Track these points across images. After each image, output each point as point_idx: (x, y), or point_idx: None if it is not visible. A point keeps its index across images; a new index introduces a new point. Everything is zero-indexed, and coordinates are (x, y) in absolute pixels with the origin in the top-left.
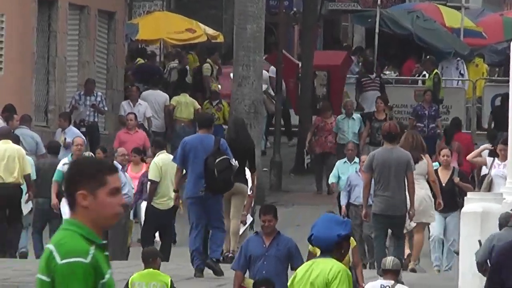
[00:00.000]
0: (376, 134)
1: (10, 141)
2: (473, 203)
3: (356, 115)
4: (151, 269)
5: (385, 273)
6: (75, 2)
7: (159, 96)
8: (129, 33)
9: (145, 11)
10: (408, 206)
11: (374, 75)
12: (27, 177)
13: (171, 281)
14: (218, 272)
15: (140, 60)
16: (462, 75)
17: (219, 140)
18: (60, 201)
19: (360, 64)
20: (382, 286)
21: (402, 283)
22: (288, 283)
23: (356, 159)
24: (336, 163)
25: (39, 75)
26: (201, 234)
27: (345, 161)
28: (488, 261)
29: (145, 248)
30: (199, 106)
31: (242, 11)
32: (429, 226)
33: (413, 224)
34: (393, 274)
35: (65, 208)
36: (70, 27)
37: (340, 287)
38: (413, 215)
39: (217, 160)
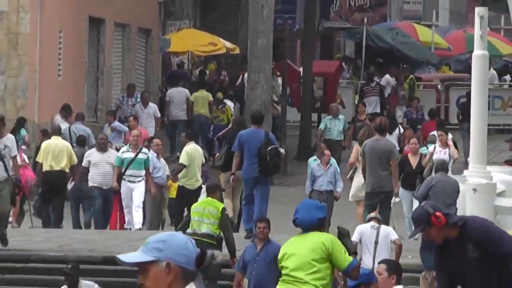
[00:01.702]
0: (358, 131)
1: (59, 137)
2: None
3: (341, 116)
4: (210, 198)
5: (370, 220)
6: (119, 21)
7: (182, 92)
8: (163, 46)
9: (176, 28)
10: (393, 185)
11: (374, 83)
12: (74, 167)
13: (223, 208)
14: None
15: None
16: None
17: (268, 133)
18: (120, 183)
19: (350, 71)
20: (372, 226)
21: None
22: (279, 257)
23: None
24: (309, 160)
25: (90, 80)
26: (251, 206)
27: (315, 159)
28: (426, 197)
29: (209, 182)
30: (212, 99)
31: (254, 28)
32: (403, 205)
33: (397, 199)
34: (377, 220)
35: (123, 189)
36: (115, 42)
37: (339, 249)
38: (397, 192)
39: (268, 149)
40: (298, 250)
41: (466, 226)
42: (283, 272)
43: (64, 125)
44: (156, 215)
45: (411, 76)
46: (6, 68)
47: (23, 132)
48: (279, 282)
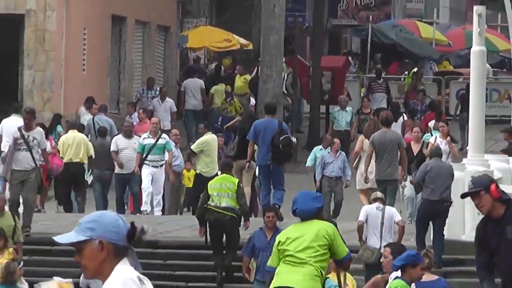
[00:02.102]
0: (362, 124)
1: (76, 131)
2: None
3: (349, 108)
4: (225, 174)
5: (375, 201)
6: (140, 19)
7: (197, 82)
8: (181, 42)
9: (193, 26)
10: (400, 173)
11: (381, 80)
12: (91, 158)
13: (238, 181)
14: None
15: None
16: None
17: (281, 123)
18: (140, 168)
19: (356, 66)
20: (377, 207)
21: None
22: (279, 239)
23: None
24: (314, 149)
25: (112, 74)
26: (268, 191)
27: (321, 148)
28: (421, 182)
29: (222, 160)
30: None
31: (266, 25)
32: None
33: (406, 184)
34: (381, 201)
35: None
36: (136, 38)
37: (339, 240)
38: (404, 179)
39: (281, 138)
40: (303, 234)
41: (510, 207)
42: (285, 253)
43: (88, 116)
44: (174, 201)
45: (413, 70)
46: (34, 63)
47: (59, 128)
48: (280, 263)
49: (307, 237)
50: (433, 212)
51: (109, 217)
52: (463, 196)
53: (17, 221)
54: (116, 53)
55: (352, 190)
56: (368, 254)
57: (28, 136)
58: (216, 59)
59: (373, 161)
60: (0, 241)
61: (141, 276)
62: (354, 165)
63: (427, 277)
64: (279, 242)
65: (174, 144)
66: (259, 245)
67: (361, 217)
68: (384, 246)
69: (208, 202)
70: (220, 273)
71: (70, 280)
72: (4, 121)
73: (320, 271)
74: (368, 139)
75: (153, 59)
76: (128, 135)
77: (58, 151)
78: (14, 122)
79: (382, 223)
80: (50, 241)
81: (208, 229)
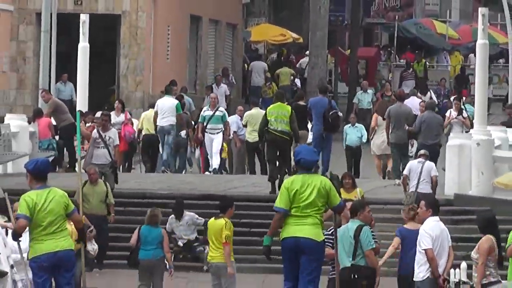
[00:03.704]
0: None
1: (153, 109)
2: (453, 139)
3: (370, 90)
4: (280, 103)
5: (420, 156)
6: (213, 18)
7: (261, 64)
8: (245, 37)
9: (255, 23)
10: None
11: (411, 69)
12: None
13: (291, 108)
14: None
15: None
16: (448, 61)
17: (331, 100)
18: (203, 136)
19: (385, 56)
20: (419, 161)
21: None
22: (287, 186)
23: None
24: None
25: (191, 62)
26: (319, 153)
27: (350, 126)
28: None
29: (277, 90)
30: (294, 72)
31: (314, 23)
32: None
33: (414, 149)
34: (424, 157)
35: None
36: (209, 33)
37: (334, 191)
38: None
39: (331, 113)
40: (307, 189)
41: None
42: (292, 206)
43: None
44: (240, 163)
45: (423, 60)
46: (128, 53)
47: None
48: (289, 216)
49: (311, 193)
50: (434, 153)
51: None
52: None
53: (108, 188)
54: (194, 45)
55: (368, 156)
56: (407, 198)
57: (105, 135)
58: (274, 51)
59: (384, 132)
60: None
61: None
62: (371, 138)
63: (412, 225)
64: (288, 189)
65: (239, 117)
66: None
67: (405, 171)
68: (422, 199)
69: (268, 126)
70: (273, 182)
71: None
72: (159, 100)
73: (320, 220)
74: (381, 116)
75: (223, 50)
76: (213, 105)
77: (132, 122)
78: (167, 101)
79: (420, 173)
80: (141, 195)
81: (266, 146)
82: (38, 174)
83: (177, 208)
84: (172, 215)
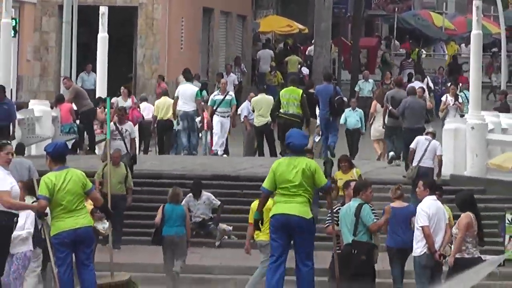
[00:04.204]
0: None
1: (167, 97)
2: (449, 123)
3: (371, 80)
4: (291, 87)
5: (428, 134)
6: (224, 10)
7: (268, 52)
8: (254, 27)
9: (264, 15)
10: None
11: (410, 59)
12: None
13: (302, 91)
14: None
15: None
16: (444, 51)
17: (335, 87)
18: (212, 118)
19: (385, 46)
20: (426, 138)
21: None
22: (272, 170)
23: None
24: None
25: (203, 51)
26: (327, 136)
27: (350, 109)
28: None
29: (292, 76)
30: (301, 60)
31: (319, 15)
32: None
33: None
34: (431, 134)
35: (215, 121)
36: (221, 24)
37: (320, 173)
38: None
39: (336, 98)
40: (295, 170)
41: None
42: (282, 186)
43: (184, 83)
44: (250, 146)
45: (417, 49)
46: (145, 43)
47: (204, 93)
48: (277, 195)
49: (296, 174)
50: (415, 136)
51: None
52: None
53: (128, 171)
54: (206, 36)
55: (367, 140)
56: (409, 171)
57: (122, 128)
58: (281, 41)
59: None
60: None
61: None
62: (370, 123)
63: (399, 204)
64: (275, 171)
65: (249, 103)
66: None
67: (413, 145)
68: (421, 180)
69: (280, 110)
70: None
71: None
72: (180, 87)
73: (308, 199)
74: (380, 104)
75: (233, 40)
76: (223, 91)
77: (139, 107)
78: (188, 88)
79: (425, 150)
80: (157, 175)
81: (278, 128)
82: (57, 156)
83: (195, 188)
84: (190, 194)
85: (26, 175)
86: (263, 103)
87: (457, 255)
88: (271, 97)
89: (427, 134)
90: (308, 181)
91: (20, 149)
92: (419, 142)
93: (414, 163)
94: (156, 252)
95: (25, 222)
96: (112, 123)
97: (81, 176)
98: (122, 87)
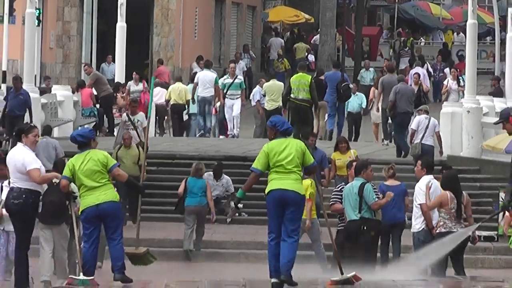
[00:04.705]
0: None
1: (180, 82)
2: (446, 107)
3: (371, 69)
4: (301, 73)
5: (423, 112)
6: (235, 1)
7: (279, 40)
8: (263, 17)
9: (272, 6)
10: None
11: (407, 48)
12: (188, 101)
13: (311, 77)
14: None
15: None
16: (442, 39)
17: (343, 74)
18: (224, 100)
19: (388, 34)
20: (425, 117)
21: None
22: (266, 150)
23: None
24: None
25: (215, 39)
26: (334, 119)
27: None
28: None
29: (300, 62)
30: (308, 47)
31: (324, 5)
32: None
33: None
34: (426, 112)
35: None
36: (232, 15)
37: (308, 152)
38: None
39: (343, 84)
40: (287, 150)
41: None
42: (277, 164)
43: (197, 69)
44: (263, 128)
45: (411, 38)
46: (160, 32)
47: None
48: (272, 172)
49: (291, 152)
50: (405, 119)
51: None
52: (495, 123)
53: (140, 151)
54: (218, 25)
55: (368, 124)
56: (413, 149)
57: (134, 118)
58: (289, 29)
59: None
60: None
61: None
62: (369, 108)
63: (392, 182)
64: (267, 152)
65: (261, 88)
66: None
67: (413, 125)
68: (419, 159)
69: (290, 95)
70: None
71: None
72: (200, 73)
73: (300, 175)
74: (376, 89)
75: (244, 29)
76: (232, 75)
77: (148, 91)
78: (207, 74)
79: (426, 127)
80: (171, 156)
81: (289, 111)
82: (81, 142)
83: (217, 169)
84: (211, 173)
85: (53, 154)
86: (274, 89)
87: (437, 230)
88: (281, 83)
89: (419, 111)
90: (299, 159)
91: (47, 130)
92: (420, 121)
93: (417, 141)
94: (172, 228)
95: None
96: (124, 114)
97: (101, 155)
98: (134, 73)
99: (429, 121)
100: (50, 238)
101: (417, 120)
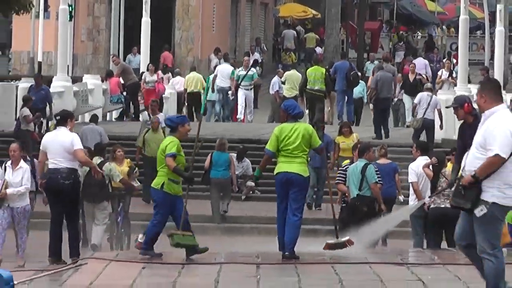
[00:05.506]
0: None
1: (195, 72)
2: (441, 95)
3: (376, 62)
4: (316, 66)
5: (426, 90)
6: None
7: (292, 32)
8: (275, 13)
9: (283, 2)
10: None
11: (402, 42)
12: (203, 88)
13: (326, 69)
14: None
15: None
16: (436, 33)
17: (351, 63)
18: (237, 90)
19: (387, 28)
20: (427, 94)
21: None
22: (277, 134)
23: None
24: None
25: (231, 33)
26: (343, 105)
27: None
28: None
29: (315, 55)
30: (318, 37)
31: (329, 1)
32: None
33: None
34: (430, 90)
35: (240, 93)
36: (246, 11)
37: (315, 135)
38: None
39: (351, 73)
40: (295, 134)
41: (476, 119)
42: (284, 148)
43: (215, 60)
44: (277, 114)
45: (401, 32)
46: (181, 26)
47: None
48: (280, 156)
49: (298, 137)
50: (387, 105)
51: None
52: (447, 107)
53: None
54: (234, 20)
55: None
56: (415, 122)
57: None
58: (297, 24)
59: None
60: (122, 151)
61: None
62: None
63: (384, 161)
64: (277, 135)
65: (279, 78)
66: None
67: (416, 100)
68: (414, 142)
69: (307, 85)
70: (314, 123)
71: None
72: (219, 66)
73: (305, 159)
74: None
75: (257, 24)
76: (246, 66)
77: (162, 80)
78: (226, 67)
79: (428, 104)
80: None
81: (305, 101)
82: (169, 126)
83: (241, 152)
84: (234, 155)
85: (99, 139)
86: (294, 78)
87: (430, 206)
88: (299, 74)
89: (427, 89)
90: (306, 143)
91: (94, 119)
92: (422, 97)
93: (419, 116)
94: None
95: (22, 178)
96: (145, 113)
97: (162, 146)
98: (149, 64)
99: (431, 98)
100: (91, 213)
101: (419, 96)
